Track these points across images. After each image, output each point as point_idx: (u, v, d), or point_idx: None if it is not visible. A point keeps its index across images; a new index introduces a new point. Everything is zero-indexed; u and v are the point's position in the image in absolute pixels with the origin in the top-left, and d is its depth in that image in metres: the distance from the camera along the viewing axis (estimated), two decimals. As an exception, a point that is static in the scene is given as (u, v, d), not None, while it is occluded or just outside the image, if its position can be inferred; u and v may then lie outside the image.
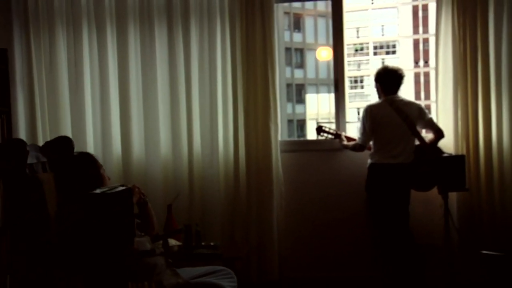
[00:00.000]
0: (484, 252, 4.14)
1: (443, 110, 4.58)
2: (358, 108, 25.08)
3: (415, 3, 33.16)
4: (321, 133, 4.72)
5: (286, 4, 13.96)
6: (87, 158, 3.16)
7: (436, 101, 4.64)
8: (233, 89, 4.70)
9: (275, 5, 4.70)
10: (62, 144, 3.26)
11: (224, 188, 4.73)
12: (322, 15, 23.61)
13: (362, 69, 30.62)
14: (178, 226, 4.15)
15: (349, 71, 26.55)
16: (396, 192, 4.32)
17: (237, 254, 4.28)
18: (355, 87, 27.57)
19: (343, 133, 4.72)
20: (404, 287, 4.31)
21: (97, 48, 4.78)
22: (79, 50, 4.76)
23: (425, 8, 33.74)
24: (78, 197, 2.97)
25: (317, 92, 24.05)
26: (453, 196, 4.43)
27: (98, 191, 2.56)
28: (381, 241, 4.42)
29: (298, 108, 23.09)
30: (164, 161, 4.77)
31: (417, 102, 4.50)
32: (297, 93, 23.15)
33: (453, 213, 4.44)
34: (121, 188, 2.63)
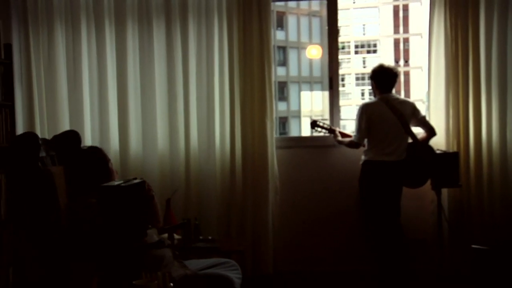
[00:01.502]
0: (474, 246, 4.28)
1: (435, 108, 4.70)
2: (339, 106, 25.23)
3: (396, 3, 33.54)
4: (316, 128, 4.79)
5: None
6: (97, 151, 3.23)
7: (428, 100, 4.77)
8: (230, 86, 4.77)
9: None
10: (70, 138, 3.31)
11: (221, 183, 4.80)
12: (305, 14, 23.82)
13: (344, 68, 30.88)
14: (176, 220, 4.22)
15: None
16: (389, 188, 4.42)
17: (234, 248, 4.35)
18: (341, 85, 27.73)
19: (338, 129, 4.82)
20: (394, 280, 4.40)
21: (96, 44, 4.82)
22: (78, 46, 4.79)
23: (405, 8, 34.15)
24: (89, 190, 3.04)
25: (299, 90, 24.22)
26: (444, 192, 4.55)
27: (113, 183, 2.62)
28: (372, 235, 4.51)
29: (280, 105, 23.19)
30: (161, 157, 4.83)
31: (411, 100, 4.60)
32: (280, 90, 23.26)
33: (444, 208, 4.55)
34: (135, 181, 2.69)
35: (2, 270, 3.79)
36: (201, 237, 4.21)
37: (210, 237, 4.23)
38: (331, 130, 4.79)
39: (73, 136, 3.31)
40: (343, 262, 4.86)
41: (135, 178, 2.79)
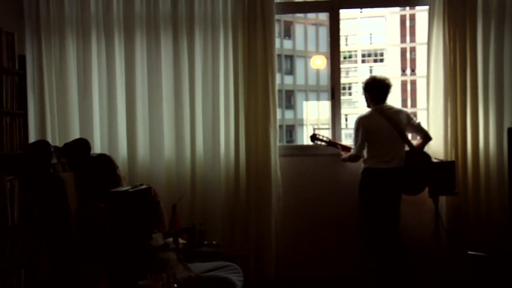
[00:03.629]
0: (470, 252, 4.38)
1: (434, 118, 4.81)
2: (346, 115, 25.39)
3: (403, 12, 33.59)
4: (315, 141, 4.93)
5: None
6: (106, 159, 3.38)
7: (427, 110, 4.87)
8: (235, 95, 4.91)
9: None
10: (81, 146, 3.46)
11: (225, 190, 4.92)
12: (312, 24, 23.96)
13: (351, 76, 30.98)
14: (182, 225, 4.34)
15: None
16: (388, 195, 4.52)
17: (237, 253, 4.46)
18: (343, 94, 27.92)
19: (338, 142, 4.94)
20: (393, 286, 4.49)
21: (105, 55, 4.97)
22: (88, 56, 4.95)
23: (412, 17, 34.19)
24: (98, 196, 3.18)
25: (306, 98, 24.33)
26: (442, 199, 4.67)
27: (121, 189, 2.77)
28: (371, 242, 4.60)
29: (287, 114, 23.32)
30: (168, 164, 4.96)
31: (404, 109, 4.71)
32: (287, 99, 23.39)
33: (442, 216, 4.66)
34: (142, 187, 2.84)
35: (14, 272, 3.94)
36: (205, 242, 4.33)
37: (214, 242, 4.35)
38: (330, 143, 4.91)
39: (83, 144, 3.46)
40: (345, 267, 4.95)
41: (142, 184, 2.93)
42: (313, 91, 24.42)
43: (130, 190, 2.75)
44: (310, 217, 5.01)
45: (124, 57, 4.97)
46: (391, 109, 4.61)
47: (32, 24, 4.92)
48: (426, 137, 4.62)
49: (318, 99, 24.42)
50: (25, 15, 4.92)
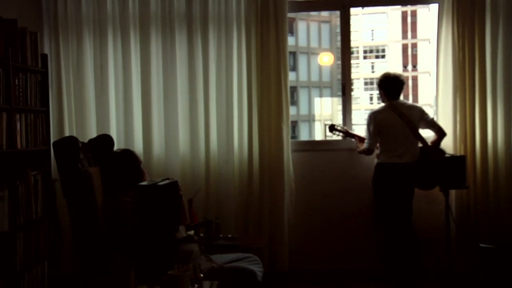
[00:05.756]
0: (481, 245, 4.48)
1: (443, 114, 4.92)
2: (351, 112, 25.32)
3: (404, 9, 33.68)
4: (333, 132, 5.01)
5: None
6: (130, 154, 3.48)
7: (436, 106, 4.98)
8: (248, 92, 5.00)
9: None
10: (105, 141, 3.57)
11: (239, 184, 5.02)
12: (315, 20, 24.04)
13: (353, 73, 31.00)
14: (198, 219, 4.45)
15: (339, 74, 26.87)
16: (401, 189, 4.60)
17: (252, 246, 4.54)
18: (345, 90, 27.83)
19: (356, 134, 5.01)
20: (404, 279, 4.58)
21: (121, 53, 5.06)
22: (105, 54, 5.04)
23: (414, 14, 34.31)
24: (123, 189, 3.29)
25: (309, 94, 24.43)
26: (451, 193, 4.76)
27: (150, 182, 2.88)
28: (384, 234, 4.69)
29: (291, 110, 23.34)
30: (183, 159, 5.06)
31: (418, 105, 4.79)
32: (290, 95, 23.43)
33: (452, 209, 4.76)
34: (169, 180, 2.95)
35: (39, 264, 4.07)
36: (221, 235, 4.45)
37: (229, 235, 4.46)
38: (348, 134, 5.01)
39: (107, 140, 3.57)
40: (356, 260, 5.06)
41: (168, 178, 3.04)
42: (316, 87, 24.52)
43: (160, 183, 2.85)
44: (322, 211, 5.11)
45: (139, 55, 5.06)
46: (403, 104, 4.69)
47: (50, 24, 5.01)
48: (440, 132, 4.66)
49: (321, 95, 24.54)
50: (44, 15, 5.01)
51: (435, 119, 4.83)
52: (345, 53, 5.26)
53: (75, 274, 4.29)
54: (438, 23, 4.93)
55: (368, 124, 4.69)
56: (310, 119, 23.08)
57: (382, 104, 4.78)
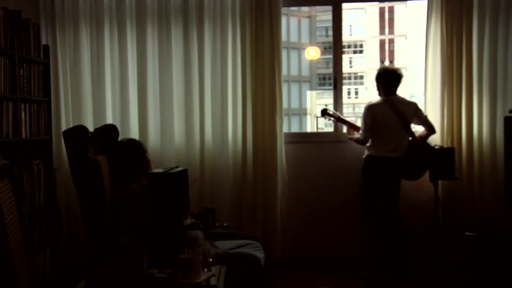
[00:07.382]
0: (467, 233, 4.67)
1: (431, 108, 5.08)
2: (326, 105, 25.63)
3: (382, 5, 34.00)
4: (325, 116, 5.12)
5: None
6: (136, 144, 3.56)
7: (425, 100, 5.14)
8: (243, 85, 5.10)
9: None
10: (110, 131, 3.64)
11: (233, 175, 5.12)
12: (294, 15, 24.19)
13: (331, 67, 31.21)
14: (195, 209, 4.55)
15: (319, 69, 27.32)
16: (389, 181, 4.76)
17: (249, 234, 4.62)
18: (324, 84, 28.28)
19: (348, 120, 5.14)
20: (394, 266, 4.73)
21: (118, 45, 5.13)
22: (101, 47, 5.10)
23: (391, 10, 34.68)
24: (130, 177, 3.38)
25: (289, 88, 24.58)
26: (439, 183, 4.92)
27: (160, 170, 2.98)
28: (373, 223, 4.86)
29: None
30: (178, 150, 5.15)
31: (414, 101, 4.94)
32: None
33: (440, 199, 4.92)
34: (178, 169, 3.05)
35: (42, 251, 4.14)
36: (217, 224, 4.55)
37: (225, 224, 4.56)
38: (339, 119, 5.12)
39: (113, 129, 3.65)
40: (347, 249, 5.20)
41: (177, 167, 3.14)
42: (295, 81, 24.68)
43: (171, 171, 2.95)
44: (314, 201, 5.25)
45: (136, 47, 5.13)
46: (400, 101, 4.81)
47: (47, 15, 5.06)
48: (430, 130, 4.84)
49: (300, 89, 24.71)
50: (41, 7, 5.06)
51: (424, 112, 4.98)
52: (337, 47, 5.40)
53: (80, 259, 4.37)
54: (427, 19, 5.08)
55: (365, 116, 4.80)
56: (290, 113, 23.29)
57: (379, 98, 4.90)
